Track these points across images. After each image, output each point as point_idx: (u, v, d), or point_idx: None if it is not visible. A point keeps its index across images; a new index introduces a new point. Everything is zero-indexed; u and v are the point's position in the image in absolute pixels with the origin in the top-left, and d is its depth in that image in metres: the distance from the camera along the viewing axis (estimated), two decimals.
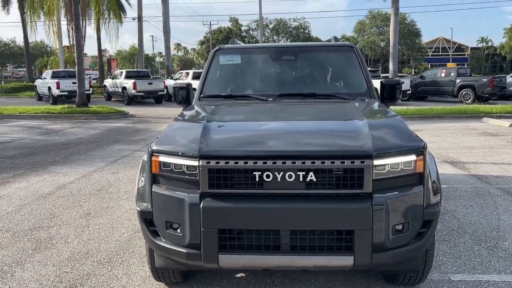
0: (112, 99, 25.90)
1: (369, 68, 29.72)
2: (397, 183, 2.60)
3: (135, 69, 30.03)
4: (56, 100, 22.56)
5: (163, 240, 2.67)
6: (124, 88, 23.38)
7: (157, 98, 23.65)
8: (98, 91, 29.57)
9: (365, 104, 3.70)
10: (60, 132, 12.54)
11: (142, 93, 22.72)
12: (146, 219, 2.74)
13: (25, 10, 26.63)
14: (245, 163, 2.48)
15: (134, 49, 67.92)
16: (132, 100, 23.11)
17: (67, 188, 6.17)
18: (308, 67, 4.43)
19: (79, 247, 4.05)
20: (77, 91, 18.10)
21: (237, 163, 2.49)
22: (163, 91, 23.58)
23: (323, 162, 2.47)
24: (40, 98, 25.76)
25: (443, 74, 22.63)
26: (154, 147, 2.72)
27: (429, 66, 59.17)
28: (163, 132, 2.96)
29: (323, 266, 2.57)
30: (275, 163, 2.48)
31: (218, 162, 2.49)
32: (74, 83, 20.17)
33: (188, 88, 4.18)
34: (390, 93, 4.09)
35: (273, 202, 2.50)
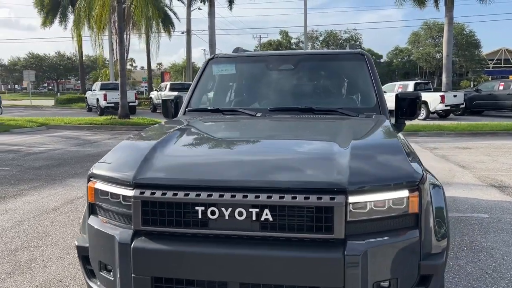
0: (157, 111, 26.22)
1: (420, 81, 28.28)
2: (383, 227, 2.02)
3: (180, 82, 30.41)
4: (103, 111, 23.18)
5: (98, 283, 2.24)
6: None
7: None
8: (145, 103, 30.28)
9: (367, 122, 3.12)
10: (95, 143, 12.64)
11: None
12: (84, 255, 2.33)
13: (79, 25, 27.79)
14: (186, 195, 2.00)
15: (185, 62, 69.52)
16: None
17: (74, 203, 5.95)
18: (309, 77, 3.88)
19: (55, 273, 3.72)
20: (120, 103, 18.42)
21: (176, 194, 2.01)
22: None
23: (282, 197, 1.94)
24: (89, 109, 26.70)
25: (501, 87, 20.93)
26: (92, 171, 2.30)
27: (489, 78, 55.89)
28: (108, 153, 2.54)
29: None
30: (222, 196, 1.98)
31: (153, 193, 2.03)
32: None
33: (176, 101, 3.78)
34: (406, 109, 3.48)
35: (219, 246, 1.99)
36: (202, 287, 2.01)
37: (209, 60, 4.00)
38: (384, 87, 23.41)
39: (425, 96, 23.54)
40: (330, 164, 2.13)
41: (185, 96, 3.78)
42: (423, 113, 20.86)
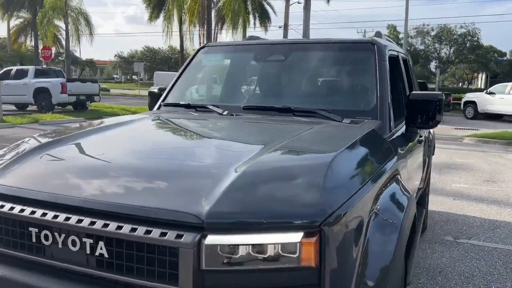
0: None
1: None
2: (264, 282, 1.41)
3: None
4: None
5: None
6: None
7: None
8: None
9: (342, 130, 2.40)
10: None
11: None
12: None
13: (182, 20, 28.96)
14: (21, 210, 1.59)
15: None
16: None
17: None
18: (300, 71, 3.13)
19: None
20: None
21: (12, 209, 1.61)
22: None
23: (120, 227, 1.43)
24: None
25: None
26: None
27: None
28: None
29: None
30: (56, 217, 1.53)
31: None
32: None
33: (160, 93, 3.39)
34: (420, 114, 2.68)
35: (51, 280, 1.54)
36: None
37: (200, 49, 3.52)
38: (492, 88, 20.72)
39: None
40: (204, 186, 1.54)
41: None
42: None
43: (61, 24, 32.13)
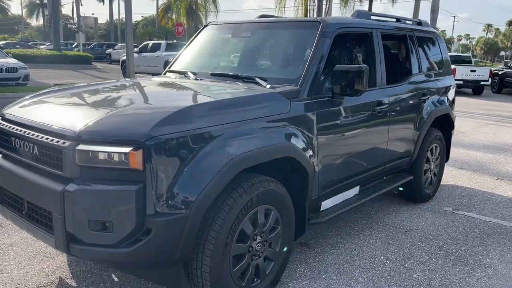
0: None
1: None
2: (110, 175, 2.31)
3: (456, 53, 27.02)
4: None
5: None
6: None
7: (477, 89, 20.24)
8: None
9: (246, 91, 3.13)
10: None
11: (461, 82, 19.16)
12: None
13: None
14: (11, 128, 2.75)
15: None
16: None
17: None
18: (258, 46, 3.88)
19: None
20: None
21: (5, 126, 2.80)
22: (487, 80, 19.95)
23: (42, 137, 2.49)
24: None
25: None
26: None
27: None
28: None
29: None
30: (24, 132, 2.64)
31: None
32: None
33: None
34: (343, 83, 3.19)
35: (18, 166, 2.70)
36: None
37: (204, 27, 4.42)
38: None
39: None
40: (92, 115, 2.50)
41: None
42: None
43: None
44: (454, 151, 7.71)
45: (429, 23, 5.27)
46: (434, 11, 27.33)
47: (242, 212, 2.56)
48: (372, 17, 4.17)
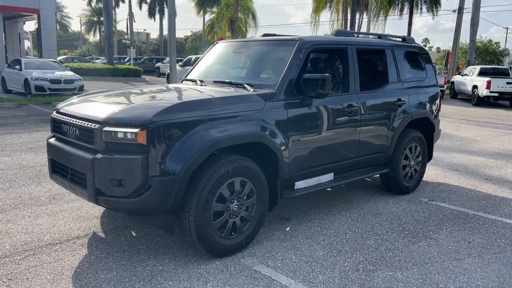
0: (458, 97, 24.14)
1: None
2: (125, 148, 3.33)
3: (492, 66, 26.55)
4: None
5: None
6: (475, 87, 20.64)
7: None
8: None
9: (237, 93, 4.09)
10: None
11: (496, 94, 19.66)
12: None
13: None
14: (61, 118, 3.88)
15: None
16: (482, 101, 20.50)
17: None
18: (250, 59, 4.87)
19: None
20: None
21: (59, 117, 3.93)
22: None
23: (82, 124, 3.57)
24: None
25: None
26: None
27: None
28: None
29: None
30: (70, 120, 3.75)
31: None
32: None
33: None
34: (311, 89, 4.07)
35: (67, 146, 3.80)
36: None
37: (215, 44, 5.47)
38: None
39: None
40: (114, 108, 3.55)
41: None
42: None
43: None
44: (457, 156, 8.32)
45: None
46: (474, 24, 27.36)
47: (220, 180, 3.53)
48: (353, 35, 5.06)
